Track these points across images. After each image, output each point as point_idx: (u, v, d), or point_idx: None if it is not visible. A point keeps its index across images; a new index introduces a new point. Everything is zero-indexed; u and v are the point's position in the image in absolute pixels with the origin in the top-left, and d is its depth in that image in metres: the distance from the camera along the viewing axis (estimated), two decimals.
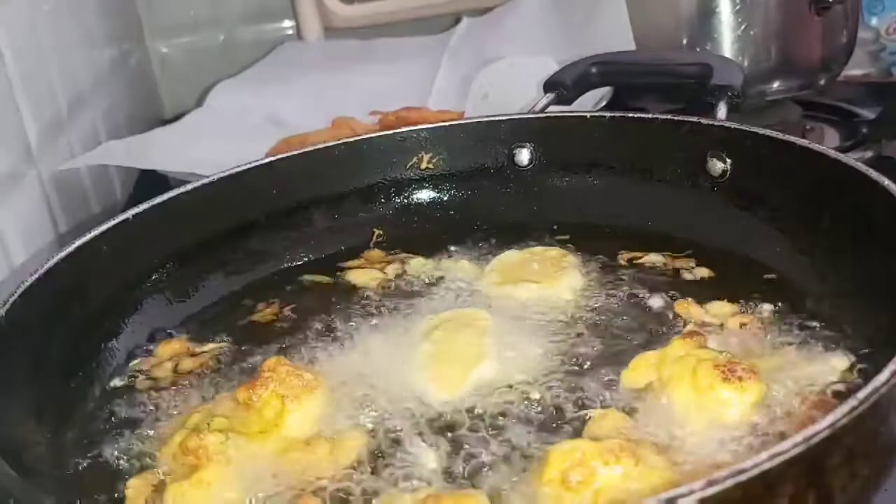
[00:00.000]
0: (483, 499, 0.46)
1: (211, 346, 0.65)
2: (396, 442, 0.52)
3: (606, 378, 0.55)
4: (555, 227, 0.76)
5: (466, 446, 0.51)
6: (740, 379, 0.50)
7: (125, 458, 0.54)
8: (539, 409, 0.53)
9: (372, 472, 0.50)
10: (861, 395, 0.38)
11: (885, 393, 0.38)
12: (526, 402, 0.54)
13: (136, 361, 0.64)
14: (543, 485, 0.45)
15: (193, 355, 0.64)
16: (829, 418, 0.36)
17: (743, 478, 0.34)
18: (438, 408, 0.55)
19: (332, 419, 0.54)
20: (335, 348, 0.62)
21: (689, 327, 0.59)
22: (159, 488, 0.50)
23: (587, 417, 0.52)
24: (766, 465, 0.34)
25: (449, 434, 0.52)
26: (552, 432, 0.51)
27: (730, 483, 0.34)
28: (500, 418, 0.53)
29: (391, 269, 0.73)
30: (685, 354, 0.53)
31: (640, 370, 0.55)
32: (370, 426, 0.54)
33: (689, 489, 0.34)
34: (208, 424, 0.53)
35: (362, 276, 0.73)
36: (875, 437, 0.39)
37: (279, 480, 0.49)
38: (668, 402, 0.52)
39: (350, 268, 0.75)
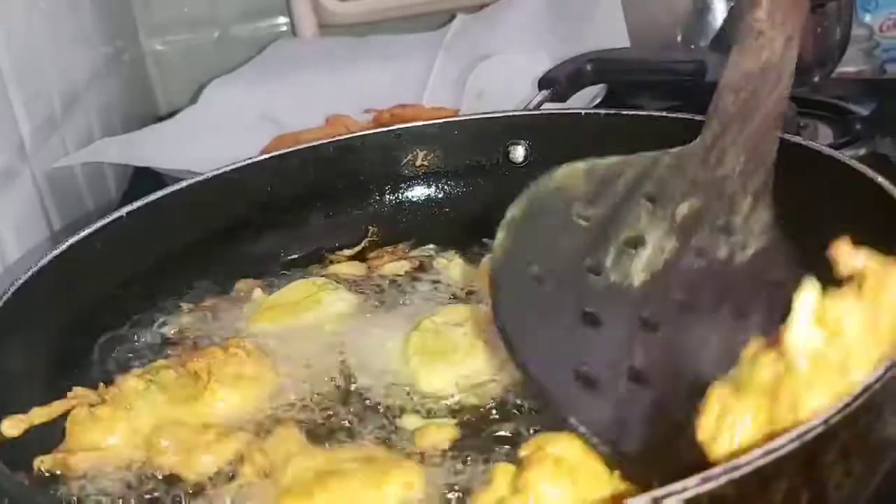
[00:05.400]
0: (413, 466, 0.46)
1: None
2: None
3: None
4: None
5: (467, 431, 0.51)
6: None
7: None
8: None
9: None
10: (855, 391, 0.38)
11: (879, 390, 0.38)
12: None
13: (130, 358, 0.63)
14: None
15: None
16: (823, 415, 0.36)
17: (736, 474, 0.34)
18: (428, 397, 0.55)
19: (260, 412, 0.54)
20: (329, 345, 0.62)
21: None
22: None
23: None
24: (760, 462, 0.34)
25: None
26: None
27: (723, 480, 0.34)
28: (497, 405, 0.53)
29: (386, 267, 0.73)
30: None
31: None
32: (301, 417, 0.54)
33: (682, 486, 0.33)
34: (156, 372, 0.54)
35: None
36: (869, 434, 0.39)
37: (162, 448, 0.50)
38: None
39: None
